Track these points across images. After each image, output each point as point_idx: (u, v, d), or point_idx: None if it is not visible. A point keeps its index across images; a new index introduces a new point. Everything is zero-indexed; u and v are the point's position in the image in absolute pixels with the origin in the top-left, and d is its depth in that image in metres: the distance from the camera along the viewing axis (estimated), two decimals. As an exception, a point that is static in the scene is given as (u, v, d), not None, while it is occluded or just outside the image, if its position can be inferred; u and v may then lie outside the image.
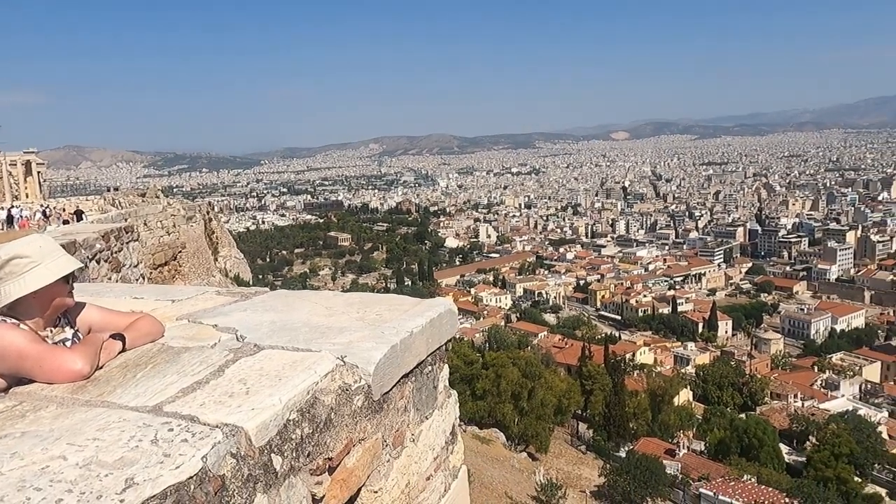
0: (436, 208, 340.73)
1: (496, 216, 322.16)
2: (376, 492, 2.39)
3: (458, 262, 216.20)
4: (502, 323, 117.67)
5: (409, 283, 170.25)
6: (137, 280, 14.63)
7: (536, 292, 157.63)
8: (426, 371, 2.79)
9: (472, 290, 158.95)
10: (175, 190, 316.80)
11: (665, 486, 37.37)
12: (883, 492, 48.83)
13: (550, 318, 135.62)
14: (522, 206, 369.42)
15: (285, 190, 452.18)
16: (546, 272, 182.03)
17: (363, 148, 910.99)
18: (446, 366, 3.06)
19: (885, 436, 61.05)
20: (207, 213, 74.77)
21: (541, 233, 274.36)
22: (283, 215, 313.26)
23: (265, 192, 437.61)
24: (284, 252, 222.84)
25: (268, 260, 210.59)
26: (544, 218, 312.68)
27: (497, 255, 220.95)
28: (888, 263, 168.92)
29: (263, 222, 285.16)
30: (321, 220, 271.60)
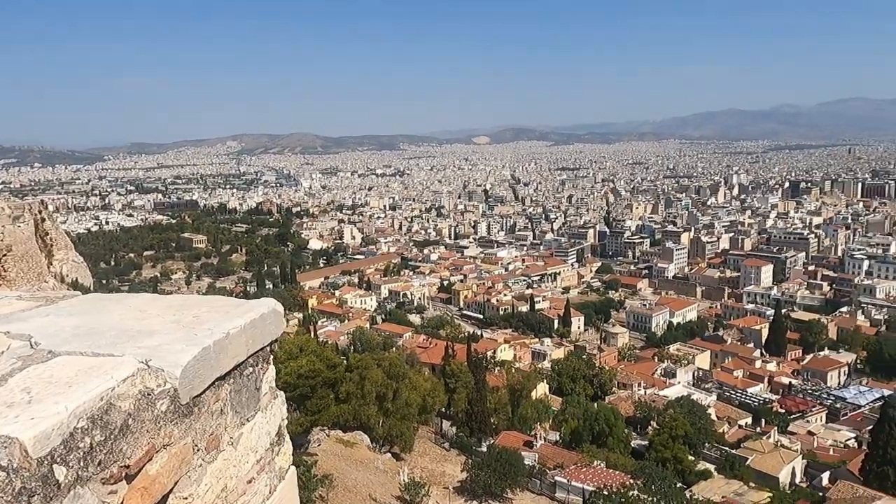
0: (299, 209, 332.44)
1: (361, 217, 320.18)
2: (186, 498, 2.32)
3: (321, 264, 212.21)
4: (367, 325, 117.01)
5: (271, 285, 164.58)
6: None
7: (401, 293, 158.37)
8: (247, 373, 2.72)
9: (337, 293, 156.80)
10: (1, 186, 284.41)
11: (523, 477, 38.90)
12: (712, 467, 54.04)
13: (415, 318, 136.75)
14: (387, 207, 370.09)
15: (133, 188, 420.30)
16: (411, 273, 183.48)
17: (221, 145, 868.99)
18: (271, 367, 2.94)
19: (713, 417, 67.81)
20: (39, 212, 67.65)
21: (405, 234, 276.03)
22: (130, 215, 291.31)
23: (109, 190, 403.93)
24: (132, 255, 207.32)
25: (113, 263, 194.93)
26: (409, 219, 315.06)
27: (362, 257, 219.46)
28: (716, 262, 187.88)
29: (107, 223, 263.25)
30: (174, 221, 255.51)
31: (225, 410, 2.54)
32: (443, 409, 55.91)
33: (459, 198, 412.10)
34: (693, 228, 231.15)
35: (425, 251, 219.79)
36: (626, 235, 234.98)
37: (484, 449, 43.56)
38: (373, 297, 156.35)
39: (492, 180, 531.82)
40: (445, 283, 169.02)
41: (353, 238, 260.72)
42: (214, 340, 2.45)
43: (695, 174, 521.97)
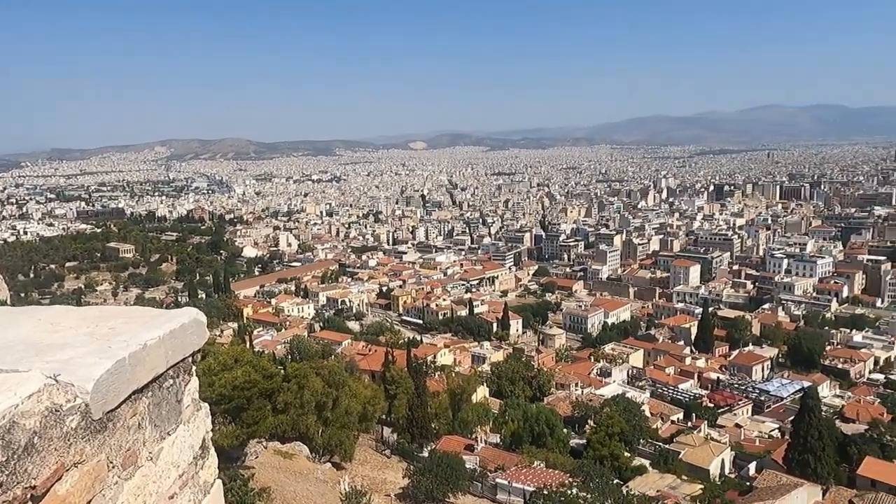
0: (232, 216, 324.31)
1: (297, 224, 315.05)
2: (101, 517, 2.29)
3: (257, 272, 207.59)
4: (305, 333, 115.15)
5: (204, 295, 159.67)
6: None
7: (340, 300, 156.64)
8: (167, 385, 2.64)
9: (273, 301, 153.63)
10: None
11: (465, 480, 39.02)
12: (647, 463, 55.63)
13: (354, 325, 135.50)
14: (324, 213, 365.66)
15: (53, 196, 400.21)
16: (349, 280, 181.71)
17: (148, 151, 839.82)
18: (194, 378, 2.82)
19: (647, 414, 69.86)
20: (-51, 222, 63.74)
21: (343, 240, 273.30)
22: (51, 224, 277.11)
23: (27, 198, 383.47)
24: (53, 266, 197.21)
25: (32, 275, 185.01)
26: (346, 225, 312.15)
27: (299, 264, 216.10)
28: (647, 263, 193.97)
29: (25, 232, 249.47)
30: (99, 230, 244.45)
31: (143, 425, 2.44)
32: (383, 416, 55.50)
33: (397, 203, 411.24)
34: (625, 231, 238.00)
35: (363, 257, 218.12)
36: (561, 239, 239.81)
37: (425, 454, 43.45)
38: (310, 304, 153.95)
39: (429, 185, 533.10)
40: (384, 288, 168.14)
41: (290, 245, 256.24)
42: (130, 353, 2.34)
43: (626, 178, 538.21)
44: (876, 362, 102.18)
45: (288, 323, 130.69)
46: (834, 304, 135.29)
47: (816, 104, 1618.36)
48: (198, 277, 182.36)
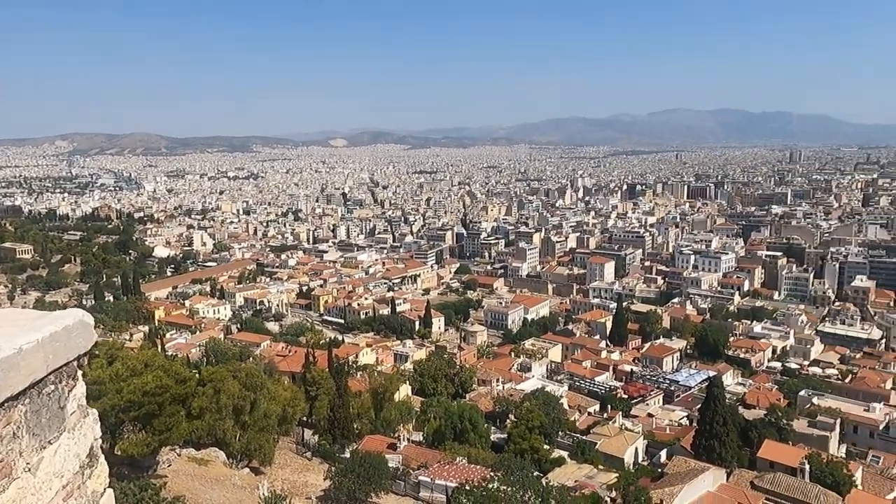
0: (141, 214, 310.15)
1: (212, 222, 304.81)
2: (-29, 534, 2.22)
3: (169, 273, 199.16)
4: (222, 335, 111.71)
5: (112, 297, 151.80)
6: None
7: (258, 301, 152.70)
8: (47, 391, 2.53)
9: (187, 303, 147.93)
10: None
11: (388, 479, 38.93)
12: (566, 454, 57.22)
13: (273, 326, 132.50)
14: (241, 211, 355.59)
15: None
16: (268, 279, 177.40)
17: (48, 145, 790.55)
18: (80, 383, 2.67)
19: (566, 406, 71.84)
20: None
21: (261, 239, 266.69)
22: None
23: None
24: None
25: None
26: (264, 224, 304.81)
27: (214, 264, 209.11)
28: (565, 260, 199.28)
29: None
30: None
31: (19, 434, 2.31)
32: (304, 418, 54.58)
33: (317, 201, 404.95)
34: (544, 229, 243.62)
35: (282, 256, 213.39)
36: (482, 237, 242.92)
37: (347, 455, 43.03)
38: (227, 305, 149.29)
39: (350, 183, 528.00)
40: (304, 288, 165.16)
41: (204, 244, 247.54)
42: (3, 357, 2.25)
43: (544, 177, 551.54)
44: (774, 351, 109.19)
45: (203, 325, 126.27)
46: (736, 298, 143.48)
47: (720, 108, 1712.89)
48: (105, 279, 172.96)
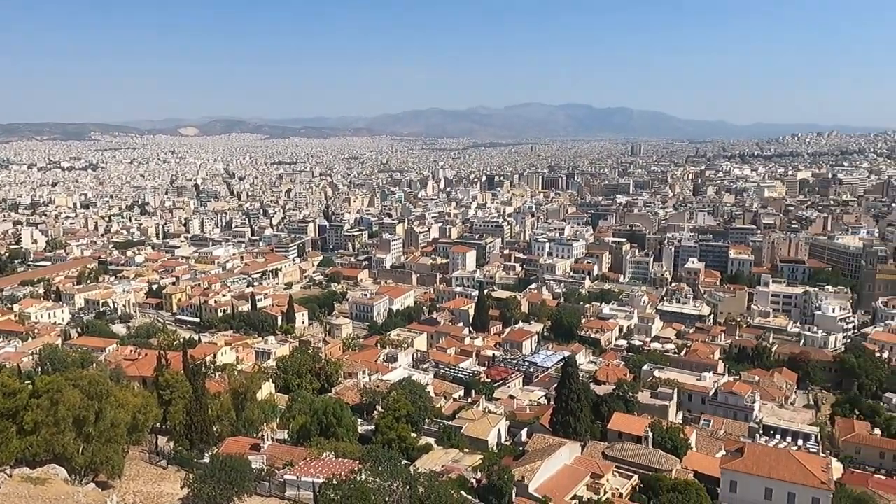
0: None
1: (44, 218, 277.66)
2: None
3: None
4: (59, 341, 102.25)
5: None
6: None
7: (101, 302, 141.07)
8: None
9: (16, 307, 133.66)
10: None
11: (251, 482, 37.56)
12: (432, 441, 58.27)
13: (120, 328, 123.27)
14: (78, 205, 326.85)
15: None
16: (112, 279, 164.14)
17: None
18: None
19: (432, 394, 73.15)
20: None
21: (103, 235, 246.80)
22: None
23: None
24: None
25: None
26: (106, 218, 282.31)
27: (48, 263, 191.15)
28: (428, 250, 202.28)
29: None
30: None
31: None
32: (158, 425, 51.32)
33: (167, 193, 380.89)
34: (407, 220, 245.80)
35: (129, 253, 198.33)
36: (345, 228, 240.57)
37: (207, 460, 40.95)
38: (64, 308, 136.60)
39: (203, 174, 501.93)
40: (155, 287, 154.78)
41: (35, 242, 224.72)
42: None
43: (406, 168, 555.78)
44: (620, 330, 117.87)
45: (37, 331, 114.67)
46: (587, 282, 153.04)
47: (569, 103, 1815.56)
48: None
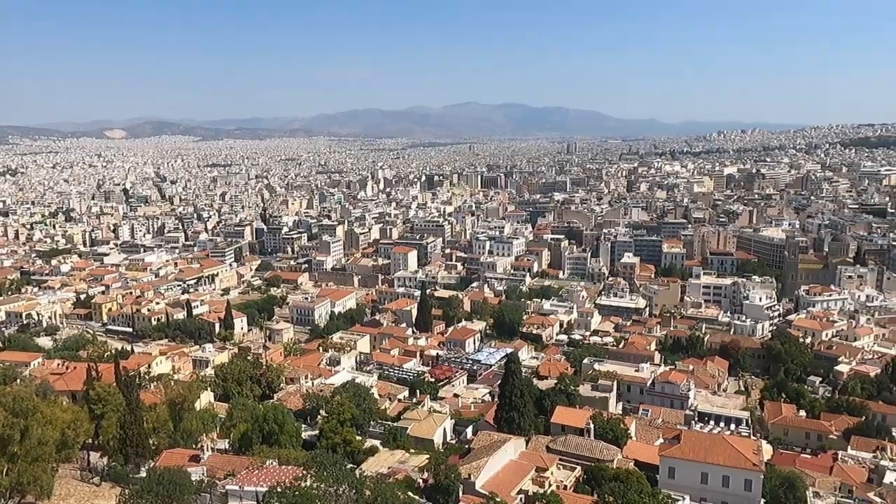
0: None
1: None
2: None
3: None
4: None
5: None
6: None
7: (24, 314, 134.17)
8: None
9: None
10: None
11: (191, 494, 36.47)
12: (378, 443, 57.90)
13: (46, 341, 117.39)
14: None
15: None
16: (36, 289, 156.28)
17: None
18: None
19: (376, 396, 72.66)
20: None
21: (25, 244, 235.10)
22: None
23: None
24: None
25: None
26: (28, 226, 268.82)
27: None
28: (369, 251, 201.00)
29: None
30: None
31: None
32: (90, 440, 49.15)
33: (94, 199, 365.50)
34: (347, 221, 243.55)
35: (53, 262, 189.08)
36: (283, 231, 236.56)
37: (143, 475, 39.51)
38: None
39: (132, 178, 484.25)
40: (83, 296, 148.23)
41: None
42: None
43: (345, 169, 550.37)
44: (561, 325, 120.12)
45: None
46: (528, 279, 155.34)
47: (506, 103, 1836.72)
48: None
